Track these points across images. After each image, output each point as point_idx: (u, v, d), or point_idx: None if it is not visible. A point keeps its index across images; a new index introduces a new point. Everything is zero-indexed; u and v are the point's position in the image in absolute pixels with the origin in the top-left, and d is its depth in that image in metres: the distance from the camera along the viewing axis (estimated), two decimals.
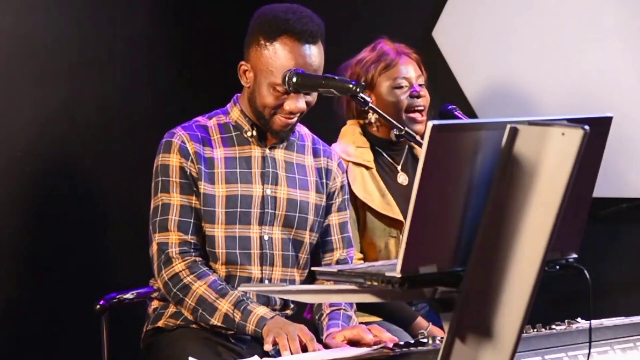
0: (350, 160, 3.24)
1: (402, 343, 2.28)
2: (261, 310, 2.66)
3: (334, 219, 2.94)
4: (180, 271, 2.72)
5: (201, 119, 2.86)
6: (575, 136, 1.67)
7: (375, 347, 2.42)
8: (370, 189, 3.23)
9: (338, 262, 2.94)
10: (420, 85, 3.28)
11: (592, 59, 3.82)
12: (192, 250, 2.75)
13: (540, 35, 3.91)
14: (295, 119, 2.78)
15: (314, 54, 2.73)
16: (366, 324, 3.08)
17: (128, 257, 3.72)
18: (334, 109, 3.36)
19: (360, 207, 3.23)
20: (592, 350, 2.15)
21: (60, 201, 3.64)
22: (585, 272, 1.91)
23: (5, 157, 3.48)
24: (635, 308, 2.80)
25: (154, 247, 2.76)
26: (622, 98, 3.76)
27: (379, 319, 3.22)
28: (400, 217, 3.20)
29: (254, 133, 2.82)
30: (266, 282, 2.80)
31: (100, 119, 3.78)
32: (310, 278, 2.94)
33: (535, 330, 2.25)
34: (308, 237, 2.87)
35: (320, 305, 2.87)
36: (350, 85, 2.72)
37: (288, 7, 2.78)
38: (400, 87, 3.26)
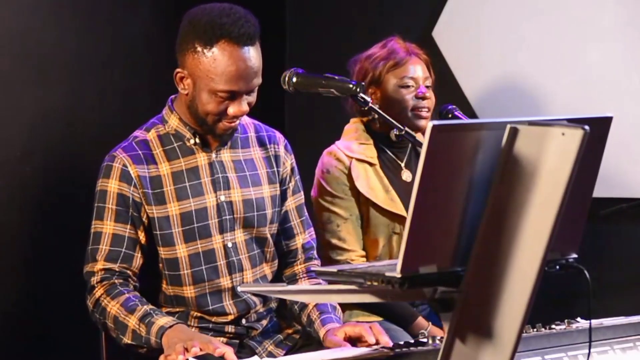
0: (353, 157, 3.24)
1: (402, 343, 2.28)
2: (162, 320, 2.56)
3: (290, 203, 2.90)
4: (99, 297, 2.66)
5: (139, 134, 2.78)
6: (575, 136, 1.66)
7: (375, 347, 2.42)
8: (374, 185, 3.22)
9: (304, 247, 2.92)
10: (427, 87, 3.27)
11: (592, 59, 3.82)
12: (113, 276, 2.67)
13: (540, 35, 3.91)
14: (239, 120, 2.71)
15: (253, 56, 2.63)
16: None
17: None
18: (341, 104, 3.35)
19: (363, 203, 3.23)
20: (592, 350, 2.14)
21: (60, 201, 3.64)
22: (585, 272, 1.91)
23: (5, 157, 3.47)
24: (635, 308, 2.80)
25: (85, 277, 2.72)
26: (622, 98, 3.76)
27: (380, 319, 3.21)
28: (403, 212, 3.19)
29: (197, 140, 2.74)
30: (239, 289, 2.73)
31: (100, 119, 3.77)
32: (280, 267, 2.90)
33: (535, 330, 2.25)
34: (269, 230, 2.82)
35: None
36: (351, 86, 2.72)
37: (220, 8, 2.67)
38: (407, 87, 3.25)
